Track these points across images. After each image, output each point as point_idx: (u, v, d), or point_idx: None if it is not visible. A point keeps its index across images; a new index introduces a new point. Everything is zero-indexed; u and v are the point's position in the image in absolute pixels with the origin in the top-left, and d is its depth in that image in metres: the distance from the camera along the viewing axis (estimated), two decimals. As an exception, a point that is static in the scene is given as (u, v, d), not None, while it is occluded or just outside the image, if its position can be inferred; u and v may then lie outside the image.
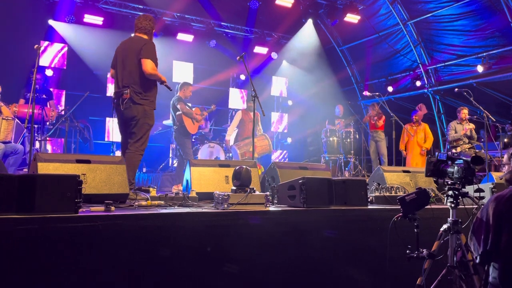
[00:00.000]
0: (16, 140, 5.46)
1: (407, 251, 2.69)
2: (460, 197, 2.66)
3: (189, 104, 7.68)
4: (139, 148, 4.32)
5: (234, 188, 3.25)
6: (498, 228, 2.20)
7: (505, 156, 5.01)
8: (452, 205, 2.68)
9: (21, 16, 8.74)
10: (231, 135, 8.37)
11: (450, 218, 2.70)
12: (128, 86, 4.31)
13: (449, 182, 2.68)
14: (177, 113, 7.27)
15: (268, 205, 3.28)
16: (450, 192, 2.67)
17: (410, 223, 2.68)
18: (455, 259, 2.65)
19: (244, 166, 3.33)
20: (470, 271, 2.60)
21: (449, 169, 2.66)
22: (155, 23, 4.65)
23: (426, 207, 2.76)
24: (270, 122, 11.85)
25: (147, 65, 4.24)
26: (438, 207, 3.54)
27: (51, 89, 8.43)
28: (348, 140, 9.41)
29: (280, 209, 3.41)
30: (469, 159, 2.60)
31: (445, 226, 2.72)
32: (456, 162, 2.66)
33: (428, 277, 2.71)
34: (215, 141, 8.71)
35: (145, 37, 4.50)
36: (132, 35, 4.70)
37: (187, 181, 4.09)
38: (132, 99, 4.28)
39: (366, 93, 8.95)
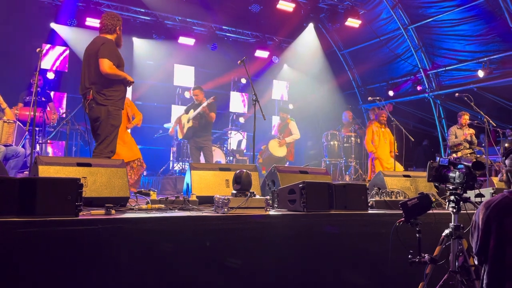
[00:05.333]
0: (18, 143, 5.46)
1: (409, 256, 2.68)
2: (461, 202, 2.66)
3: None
4: (104, 150, 4.22)
5: (235, 192, 3.24)
6: (486, 233, 2.22)
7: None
8: (454, 210, 2.68)
9: (23, 19, 8.76)
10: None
11: (452, 223, 2.70)
12: (91, 87, 4.26)
13: (451, 187, 2.68)
14: None
15: (268, 209, 3.27)
16: (452, 197, 2.67)
17: (412, 228, 2.68)
18: (457, 264, 2.65)
19: (245, 170, 3.32)
20: (472, 276, 2.59)
21: (451, 174, 2.66)
22: (118, 20, 4.51)
23: (428, 212, 2.75)
24: (271, 125, 11.85)
25: (103, 64, 4.18)
26: (440, 212, 3.53)
27: (51, 92, 8.45)
28: (349, 144, 9.40)
29: (280, 213, 3.40)
30: (470, 164, 2.60)
31: (447, 231, 2.72)
32: (457, 167, 2.66)
33: (429, 282, 2.71)
34: (216, 144, 8.69)
35: (108, 36, 4.41)
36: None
37: (187, 184, 4.08)
38: (95, 100, 4.25)
39: (370, 98, 8.92)
